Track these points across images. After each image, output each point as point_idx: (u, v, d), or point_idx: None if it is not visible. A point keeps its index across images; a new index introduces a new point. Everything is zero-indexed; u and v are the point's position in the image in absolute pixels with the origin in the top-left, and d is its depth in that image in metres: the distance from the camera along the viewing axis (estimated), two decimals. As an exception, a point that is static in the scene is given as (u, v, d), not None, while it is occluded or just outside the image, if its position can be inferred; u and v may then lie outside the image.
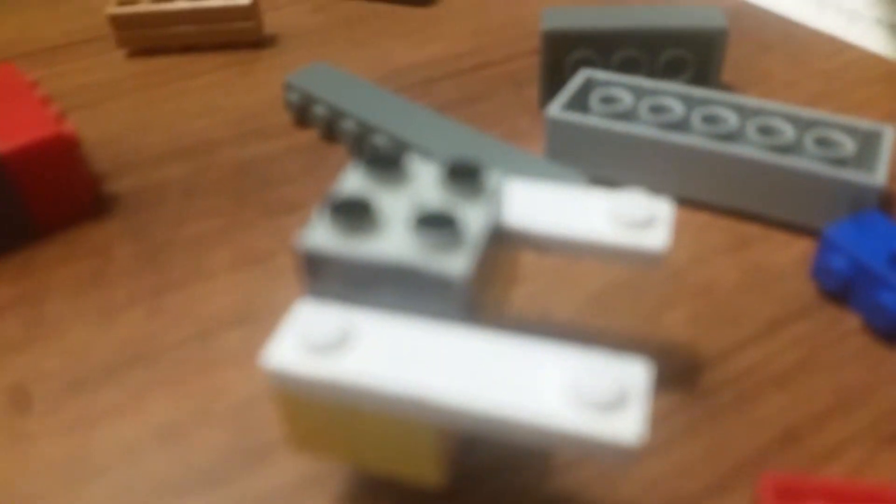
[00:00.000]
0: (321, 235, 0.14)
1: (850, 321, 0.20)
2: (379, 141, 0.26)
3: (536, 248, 0.17)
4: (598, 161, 0.25)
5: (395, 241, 0.14)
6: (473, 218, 0.15)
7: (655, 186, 0.24)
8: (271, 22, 0.38)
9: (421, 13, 0.39)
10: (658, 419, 0.18)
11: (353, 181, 0.16)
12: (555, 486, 0.17)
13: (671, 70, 0.29)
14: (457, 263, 0.14)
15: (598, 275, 0.22)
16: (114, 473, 0.18)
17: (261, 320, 0.21)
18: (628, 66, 0.29)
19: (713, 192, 0.24)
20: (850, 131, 0.24)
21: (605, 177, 0.25)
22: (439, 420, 0.13)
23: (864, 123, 0.24)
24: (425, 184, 0.16)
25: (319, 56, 0.35)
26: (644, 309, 0.21)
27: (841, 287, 0.20)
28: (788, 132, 0.24)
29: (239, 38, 0.36)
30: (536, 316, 0.21)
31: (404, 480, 0.15)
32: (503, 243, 0.16)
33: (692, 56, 0.28)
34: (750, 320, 0.20)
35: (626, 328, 0.20)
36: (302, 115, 0.30)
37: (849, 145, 0.23)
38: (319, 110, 0.28)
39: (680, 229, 0.24)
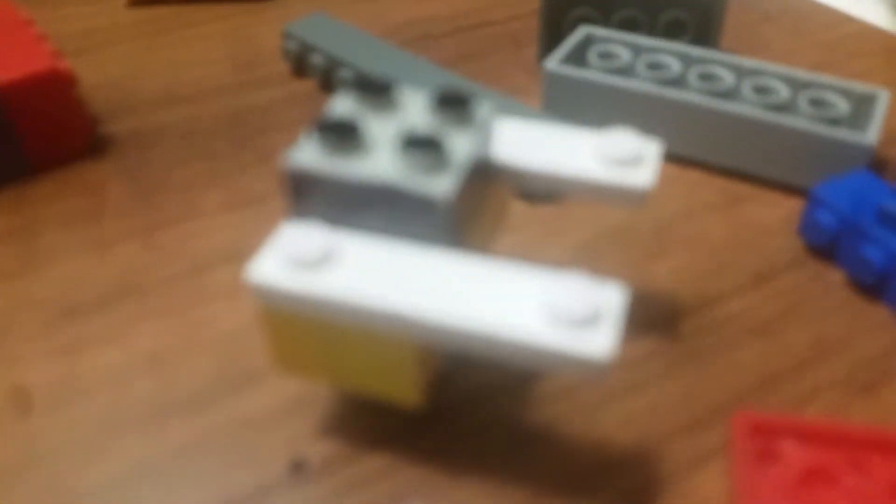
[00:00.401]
0: (308, 155, 0.14)
1: (834, 275, 0.20)
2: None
3: (524, 183, 0.17)
4: (595, 115, 0.25)
5: (381, 162, 0.14)
6: (460, 144, 0.15)
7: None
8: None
9: (425, -27, 0.39)
10: (637, 360, 0.18)
11: (343, 105, 0.16)
12: (533, 418, 0.17)
13: (671, 31, 0.28)
14: (441, 185, 0.14)
15: (587, 224, 0.22)
16: (101, 396, 0.18)
17: (251, 258, 0.22)
18: (628, 26, 0.29)
19: (707, 150, 0.24)
20: (845, 93, 0.24)
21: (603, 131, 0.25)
22: (419, 336, 0.13)
23: (859, 86, 0.24)
24: (414, 110, 0.16)
25: (320, 8, 0.35)
26: (631, 258, 0.21)
27: (827, 242, 0.20)
28: (783, 92, 0.24)
29: (241, -11, 0.36)
30: (522, 262, 0.21)
31: (385, 401, 0.15)
32: (491, 177, 0.17)
33: (692, 18, 0.28)
34: (735, 273, 0.21)
35: (614, 275, 0.20)
36: (300, 64, 0.30)
37: (842, 106, 0.23)
38: (317, 59, 0.28)
39: (672, 185, 0.24)
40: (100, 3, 0.36)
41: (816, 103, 0.23)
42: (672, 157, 0.25)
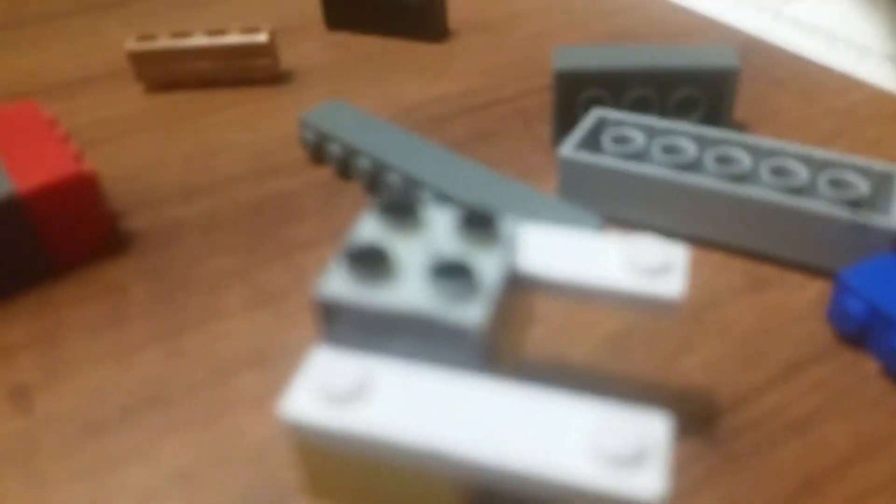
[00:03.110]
0: (338, 283, 0.14)
1: (869, 366, 0.20)
2: (393, 179, 0.27)
3: (551, 293, 0.17)
4: (612, 201, 0.25)
5: (411, 290, 0.14)
6: (489, 267, 0.15)
7: (670, 226, 0.24)
8: (287, 58, 0.39)
9: (434, 49, 0.40)
10: (676, 468, 0.18)
11: (369, 228, 0.16)
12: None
13: (683, 109, 0.29)
14: (473, 313, 0.14)
15: (612, 317, 0.22)
16: (127, 517, 0.18)
17: (276, 361, 0.21)
18: (640, 105, 0.29)
19: (728, 233, 0.24)
20: (864, 172, 0.24)
21: (619, 216, 0.25)
22: (458, 473, 0.13)
23: (878, 164, 0.24)
24: (441, 231, 0.16)
25: (334, 92, 0.36)
26: (660, 352, 0.21)
27: (857, 331, 0.20)
28: (802, 173, 0.24)
29: (256, 74, 0.36)
30: (551, 359, 0.21)
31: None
32: (518, 289, 0.17)
33: (704, 95, 0.28)
34: (767, 364, 0.20)
35: (643, 372, 0.20)
36: (317, 152, 0.30)
37: (863, 186, 0.23)
38: (334, 148, 0.29)
39: (695, 270, 0.24)
40: (117, 91, 0.37)
41: (836, 184, 0.23)
42: (693, 240, 0.25)
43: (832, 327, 0.21)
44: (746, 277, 0.23)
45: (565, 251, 0.17)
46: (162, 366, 0.22)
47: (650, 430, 0.13)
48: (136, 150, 0.32)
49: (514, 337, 0.17)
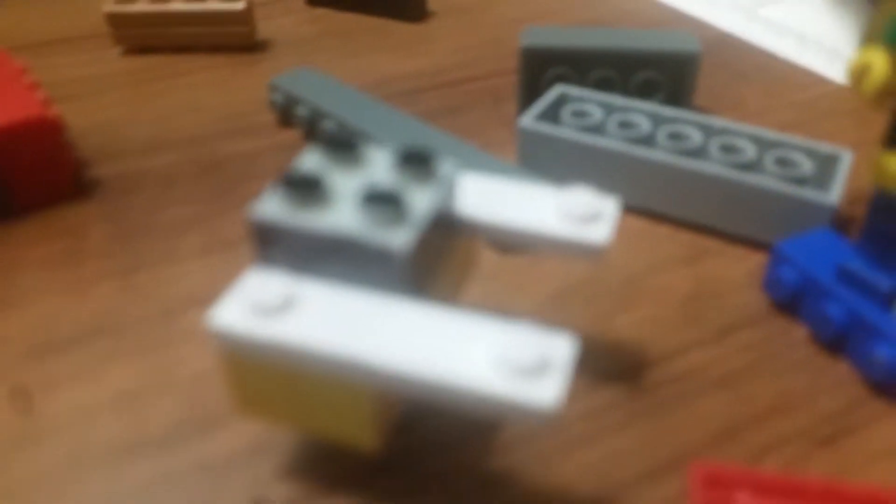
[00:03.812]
0: (273, 207, 0.15)
1: (798, 331, 0.21)
2: (356, 141, 0.27)
3: (488, 236, 0.17)
4: (567, 171, 0.26)
5: (342, 216, 0.15)
6: (420, 199, 0.15)
7: (622, 198, 0.25)
8: (265, 29, 0.40)
9: (411, 29, 0.40)
10: (598, 411, 0.18)
11: (310, 160, 0.16)
12: (492, 466, 0.17)
13: (644, 91, 0.29)
14: (399, 238, 0.14)
15: (556, 277, 0.23)
16: (67, 435, 0.18)
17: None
18: (603, 85, 0.30)
19: (675, 206, 0.25)
20: (810, 153, 0.24)
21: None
22: (374, 382, 0.14)
23: (824, 146, 0.24)
24: (379, 167, 0.16)
25: (308, 62, 0.36)
26: (599, 310, 0.22)
27: (789, 298, 0.21)
28: (750, 151, 0.25)
29: (232, 41, 0.37)
30: (495, 312, 0.21)
31: (343, 445, 0.15)
32: (455, 231, 0.17)
33: (664, 78, 0.29)
34: (699, 326, 0.21)
35: (580, 327, 0.21)
36: (285, 115, 0.30)
37: (807, 166, 0.24)
38: (302, 111, 0.29)
39: (640, 239, 0.24)
40: (95, 51, 0.37)
41: (782, 163, 0.24)
42: (641, 212, 0.25)
43: (767, 296, 0.22)
44: (690, 248, 0.24)
45: (502, 197, 0.17)
46: (113, 300, 0.22)
47: (554, 346, 0.13)
48: (107, 106, 0.33)
49: (449, 276, 0.17)
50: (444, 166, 0.16)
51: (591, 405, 0.18)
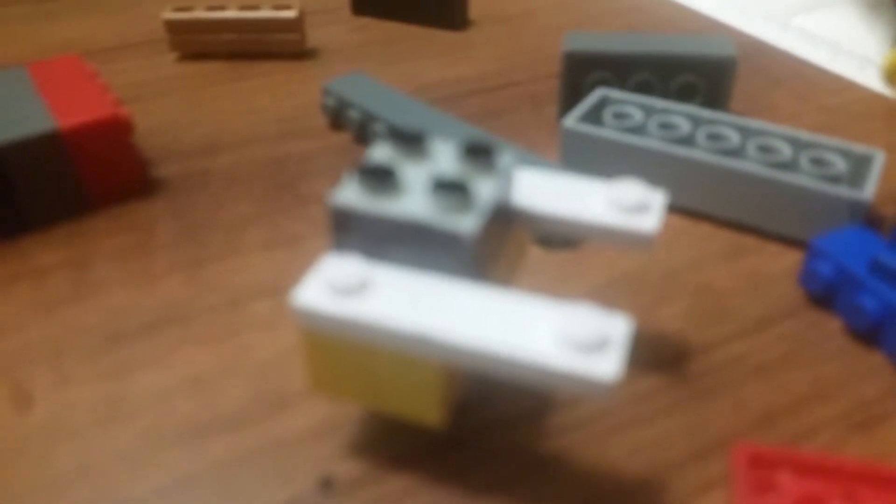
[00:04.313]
0: (349, 194, 0.16)
1: (833, 323, 0.22)
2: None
3: (541, 227, 0.19)
4: (609, 171, 0.27)
5: (414, 202, 0.16)
6: (484, 188, 0.16)
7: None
8: (314, 37, 0.41)
9: (454, 36, 0.42)
10: (645, 396, 0.19)
11: (381, 153, 0.18)
12: (548, 446, 0.18)
13: (683, 95, 0.30)
14: (466, 223, 0.15)
15: (600, 270, 0.24)
16: (145, 416, 0.19)
17: (287, 293, 0.23)
18: (643, 89, 0.31)
19: (714, 204, 0.26)
20: (844, 153, 0.25)
21: (613, 186, 0.27)
22: (442, 357, 0.15)
23: (858, 147, 0.25)
24: (444, 159, 0.18)
25: (356, 69, 0.38)
26: (642, 303, 0.23)
27: (825, 291, 0.22)
28: (786, 151, 0.25)
29: (284, 48, 0.39)
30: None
31: (411, 420, 0.17)
32: (511, 220, 0.18)
33: (703, 82, 0.30)
34: (739, 318, 0.22)
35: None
36: (337, 118, 0.32)
37: (841, 165, 0.25)
38: (353, 114, 0.31)
39: (681, 236, 0.25)
40: (153, 57, 0.39)
41: (817, 162, 0.25)
42: (681, 210, 0.26)
43: (803, 291, 0.23)
44: (729, 245, 0.25)
45: (555, 190, 0.19)
46: (182, 291, 0.23)
47: (612, 325, 0.14)
48: (167, 109, 0.34)
49: (505, 263, 0.18)
50: (504, 158, 0.17)
51: (638, 390, 0.20)
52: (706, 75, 0.30)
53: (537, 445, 0.18)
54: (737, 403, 0.19)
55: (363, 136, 0.31)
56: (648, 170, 0.26)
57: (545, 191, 0.19)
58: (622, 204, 0.18)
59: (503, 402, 0.19)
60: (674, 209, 0.26)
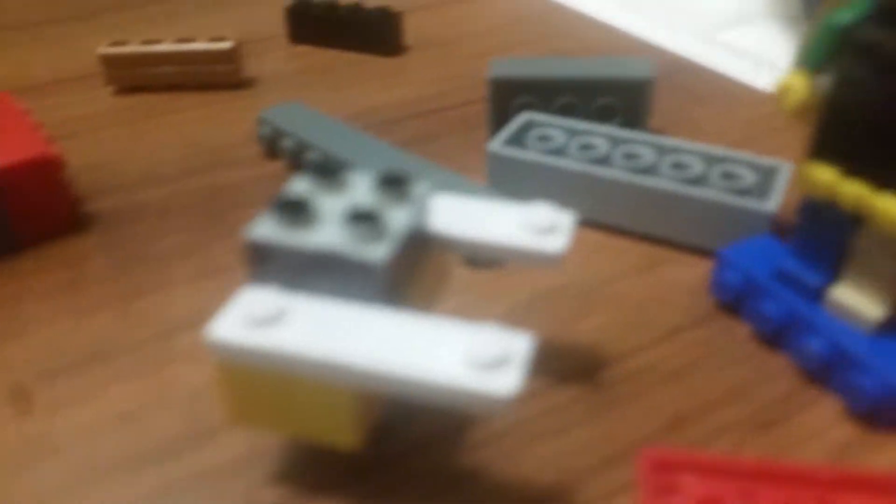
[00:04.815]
0: (264, 228, 0.17)
1: (741, 329, 0.23)
2: (338, 170, 0.29)
3: (458, 249, 0.19)
4: (533, 191, 0.28)
5: (327, 234, 0.17)
6: (397, 218, 0.17)
7: (584, 214, 0.27)
8: (253, 66, 0.42)
9: (390, 62, 0.43)
10: (561, 407, 0.20)
11: (299, 186, 0.18)
12: (463, 464, 0.19)
13: (604, 115, 0.32)
14: (378, 252, 0.16)
15: (522, 288, 0.25)
16: (71, 451, 0.20)
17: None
18: (567, 111, 0.32)
19: (631, 220, 0.27)
20: (753, 167, 0.27)
21: (539, 205, 0.28)
22: (355, 382, 0.15)
23: (766, 160, 0.27)
24: (360, 190, 0.18)
25: (293, 97, 0.38)
26: (561, 317, 0.24)
27: (733, 299, 0.23)
28: (698, 167, 0.27)
29: (220, 80, 0.39)
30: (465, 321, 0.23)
31: (329, 446, 0.17)
32: (428, 246, 0.19)
33: (621, 103, 0.31)
34: (652, 328, 0.23)
35: (544, 333, 0.23)
36: (271, 147, 0.33)
37: (750, 178, 0.26)
38: (287, 143, 0.31)
39: (599, 251, 0.26)
40: (88, 91, 0.39)
41: (727, 176, 0.27)
42: (601, 227, 0.27)
43: (714, 299, 0.24)
44: (645, 258, 0.26)
45: (470, 214, 0.20)
46: (112, 326, 0.24)
47: (514, 344, 0.15)
48: (102, 144, 0.34)
49: (426, 286, 0.19)
50: (418, 188, 0.18)
51: (553, 403, 0.20)
52: (624, 97, 0.31)
53: (456, 463, 0.19)
54: (648, 410, 0.20)
55: (297, 164, 0.31)
56: (569, 189, 0.27)
57: (460, 215, 0.20)
58: (533, 226, 0.19)
59: (423, 423, 0.20)
60: (593, 225, 0.27)
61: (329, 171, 0.18)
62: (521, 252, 0.19)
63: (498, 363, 0.15)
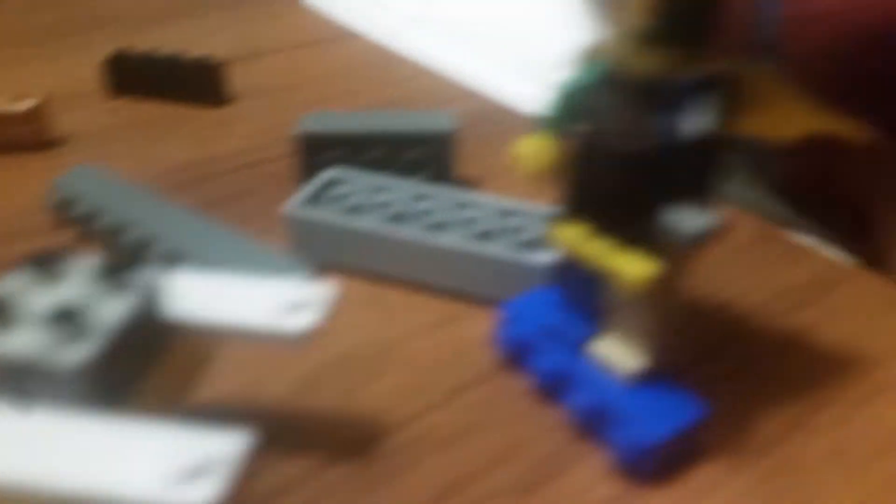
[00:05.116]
0: (-46, 335, 0.15)
1: (520, 384, 0.23)
2: (128, 239, 0.28)
3: (200, 335, 0.18)
4: (333, 250, 0.28)
5: (24, 338, 0.15)
6: (109, 312, 0.16)
7: (383, 271, 0.27)
8: (66, 122, 0.39)
9: (214, 114, 0.41)
10: (339, 482, 0.20)
11: (11, 283, 0.17)
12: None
13: (411, 169, 0.32)
14: (75, 355, 0.15)
15: (311, 355, 0.24)
16: None
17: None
18: (377, 165, 0.32)
19: (427, 275, 0.27)
20: (543, 218, 0.27)
21: (341, 263, 0.28)
22: (47, 501, 0.14)
23: (549, 209, 0.27)
24: (77, 281, 0.17)
25: (104, 156, 0.36)
26: (350, 384, 0.23)
27: (514, 354, 0.23)
28: (489, 221, 0.27)
29: (24, 140, 0.37)
30: (243, 403, 0.22)
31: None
32: (169, 334, 0.18)
33: (427, 157, 0.32)
34: (436, 389, 0.23)
35: (330, 404, 0.22)
36: (62, 216, 0.31)
37: (536, 230, 0.27)
38: (77, 210, 0.30)
39: (397, 309, 0.26)
40: None
41: (517, 230, 0.27)
42: (399, 283, 0.27)
43: (498, 354, 0.24)
44: (441, 314, 0.26)
45: (215, 295, 0.19)
46: None
47: (219, 448, 0.14)
48: None
49: (165, 380, 0.18)
50: (143, 275, 0.17)
51: (325, 482, 0.20)
52: (428, 150, 0.32)
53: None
54: (421, 480, 0.20)
55: (88, 234, 0.30)
56: (365, 247, 0.27)
57: (204, 296, 0.19)
58: (279, 304, 0.18)
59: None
60: (393, 282, 0.27)
61: (44, 263, 0.17)
62: (262, 333, 0.18)
63: (197, 472, 0.14)
